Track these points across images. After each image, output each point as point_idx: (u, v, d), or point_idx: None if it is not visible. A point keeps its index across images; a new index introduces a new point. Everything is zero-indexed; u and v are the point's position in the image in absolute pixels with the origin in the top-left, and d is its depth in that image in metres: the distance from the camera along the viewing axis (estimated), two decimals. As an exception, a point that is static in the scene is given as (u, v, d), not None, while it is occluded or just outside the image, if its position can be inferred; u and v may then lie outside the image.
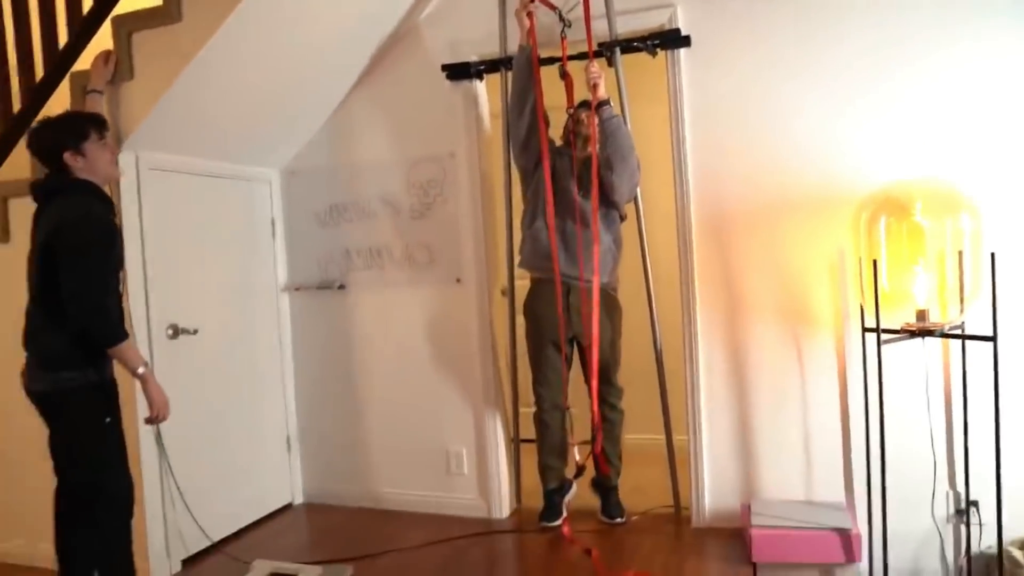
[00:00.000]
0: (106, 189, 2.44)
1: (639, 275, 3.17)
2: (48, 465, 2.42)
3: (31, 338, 2.33)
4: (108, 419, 2.36)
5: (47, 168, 2.36)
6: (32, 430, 2.45)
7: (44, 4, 2.96)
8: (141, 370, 2.34)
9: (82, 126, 2.34)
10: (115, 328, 2.28)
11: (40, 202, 2.37)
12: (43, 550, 2.93)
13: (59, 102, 2.92)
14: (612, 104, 2.98)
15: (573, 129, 3.07)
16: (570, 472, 3.19)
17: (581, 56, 3.02)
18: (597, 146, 2.97)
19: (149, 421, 2.41)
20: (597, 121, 2.96)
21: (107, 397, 2.39)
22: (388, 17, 3.23)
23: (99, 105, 2.69)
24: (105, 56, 2.73)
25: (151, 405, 2.37)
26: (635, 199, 3.12)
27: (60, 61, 2.90)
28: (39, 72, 2.97)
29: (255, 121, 3.24)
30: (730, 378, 3.02)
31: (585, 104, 3.09)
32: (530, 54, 2.97)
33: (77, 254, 2.21)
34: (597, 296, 2.90)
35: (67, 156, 2.30)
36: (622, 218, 3.11)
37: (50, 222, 2.25)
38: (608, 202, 3.01)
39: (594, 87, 2.94)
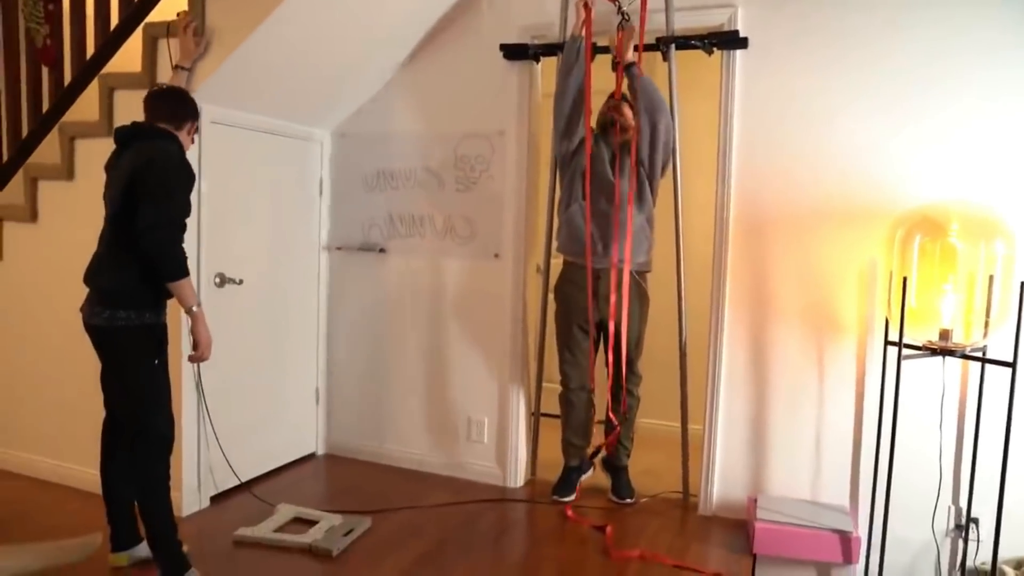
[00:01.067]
0: None
1: (671, 266, 3.25)
2: (99, 396, 2.58)
3: (96, 274, 2.44)
4: (157, 360, 2.49)
5: (153, 115, 2.50)
6: (82, 362, 2.59)
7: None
8: (195, 308, 2.46)
9: (199, 118, 2.64)
10: (182, 264, 2.41)
11: (121, 144, 2.49)
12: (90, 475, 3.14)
13: (132, 50, 3.04)
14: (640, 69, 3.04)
15: (611, 115, 3.14)
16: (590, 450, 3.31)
17: (604, 49, 3.13)
18: (633, 107, 3.06)
19: (193, 359, 2.54)
20: (627, 80, 3.03)
21: (158, 339, 2.52)
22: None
23: (183, 81, 2.83)
24: (192, 31, 2.82)
25: (198, 343, 2.49)
26: (675, 192, 3.18)
27: (135, 11, 3.00)
28: (115, 20, 3.08)
29: (314, 83, 3.33)
30: (750, 374, 3.10)
31: (624, 96, 3.17)
32: (581, 45, 3.03)
33: (163, 189, 2.35)
34: (628, 279, 2.99)
35: (188, 125, 2.54)
36: (653, 195, 3.15)
37: (138, 158, 2.37)
38: (643, 181, 3.07)
39: (627, 37, 2.99)
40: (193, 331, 2.49)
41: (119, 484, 2.59)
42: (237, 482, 3.29)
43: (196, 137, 2.67)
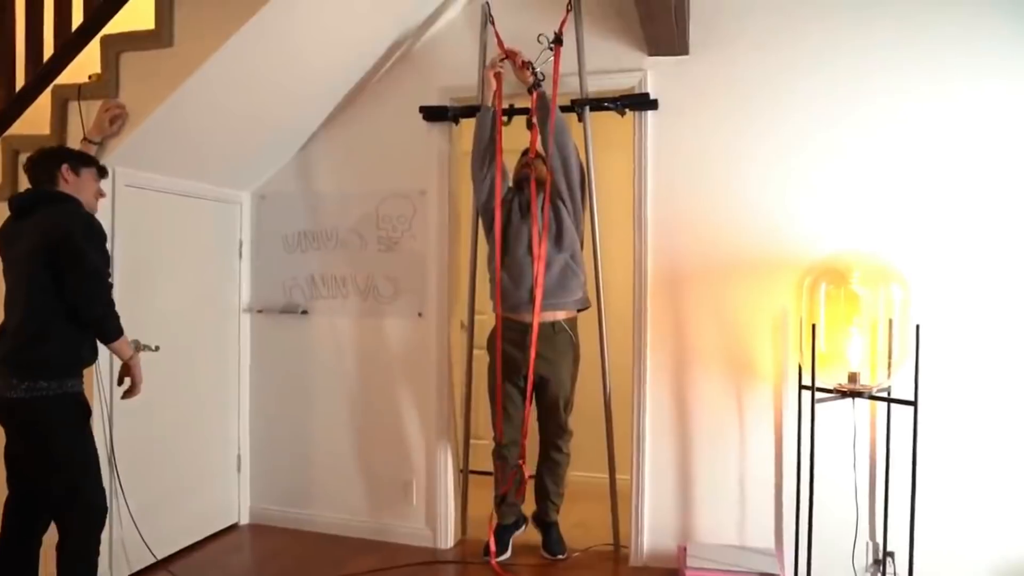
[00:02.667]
0: None
1: (593, 320, 3.31)
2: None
3: (12, 347, 2.33)
4: (84, 429, 2.43)
5: (37, 179, 2.45)
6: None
7: (31, 15, 3.00)
8: (133, 357, 2.51)
9: (89, 158, 2.55)
10: (118, 325, 2.42)
11: (18, 213, 2.41)
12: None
13: (40, 111, 2.96)
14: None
15: (525, 171, 3.21)
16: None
17: (524, 111, 3.23)
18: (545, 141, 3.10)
19: (127, 395, 2.56)
20: (537, 98, 3.09)
21: (82, 407, 2.44)
22: (370, 56, 3.35)
23: (91, 153, 2.74)
24: (112, 115, 2.76)
25: (134, 382, 2.53)
26: (594, 246, 3.26)
27: (44, 72, 2.93)
28: (19, 83, 3.00)
29: (233, 146, 3.31)
30: (674, 423, 3.17)
31: (538, 153, 3.24)
32: (493, 115, 3.13)
33: (88, 255, 2.31)
34: (535, 330, 3.04)
35: (64, 168, 2.44)
36: (579, 229, 3.18)
37: (49, 227, 2.31)
38: (563, 220, 3.10)
39: (521, 64, 3.08)
40: (130, 373, 2.52)
41: (27, 571, 2.43)
42: (153, 560, 3.11)
43: (97, 181, 2.56)
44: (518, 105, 3.30)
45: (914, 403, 2.62)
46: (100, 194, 2.58)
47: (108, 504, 2.50)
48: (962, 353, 2.84)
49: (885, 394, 2.74)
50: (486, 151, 3.15)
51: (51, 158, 2.45)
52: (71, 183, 2.44)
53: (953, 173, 2.86)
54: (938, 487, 2.85)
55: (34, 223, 2.34)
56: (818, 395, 2.72)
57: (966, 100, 2.85)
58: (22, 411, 2.32)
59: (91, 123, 2.78)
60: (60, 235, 2.29)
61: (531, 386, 3.09)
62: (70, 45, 2.92)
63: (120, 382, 2.56)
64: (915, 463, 2.63)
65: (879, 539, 2.90)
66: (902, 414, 2.76)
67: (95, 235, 2.38)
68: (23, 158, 2.89)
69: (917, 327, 2.62)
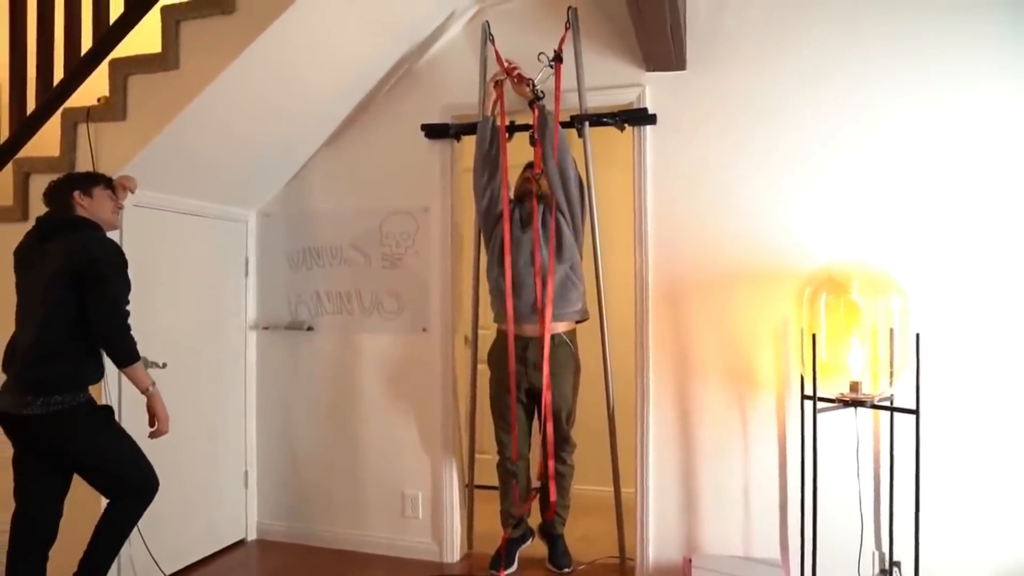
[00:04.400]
0: None
1: (596, 333, 3.33)
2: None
3: (28, 364, 2.39)
4: (109, 427, 2.54)
5: (54, 207, 2.54)
6: None
7: (42, 41, 3.07)
8: (151, 388, 2.53)
9: (95, 177, 2.62)
10: (132, 350, 2.47)
11: (42, 236, 2.49)
12: None
13: (50, 134, 3.03)
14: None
15: (527, 187, 3.24)
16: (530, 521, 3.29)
17: (524, 127, 3.25)
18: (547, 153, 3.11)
19: (154, 435, 2.59)
20: (538, 113, 3.10)
21: (98, 410, 2.53)
22: (372, 76, 3.41)
23: None
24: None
25: (158, 420, 2.56)
26: (595, 260, 3.28)
27: (54, 96, 3.00)
28: (31, 106, 3.07)
29: (237, 165, 3.36)
30: (678, 435, 3.18)
31: (532, 165, 3.28)
32: (493, 124, 3.17)
33: (110, 279, 2.41)
34: (547, 344, 3.05)
35: (76, 195, 2.52)
36: (579, 240, 3.20)
37: (75, 251, 2.39)
38: (563, 232, 3.12)
39: (520, 79, 3.12)
40: (151, 408, 2.55)
41: None
42: (161, 576, 3.14)
43: (112, 196, 2.62)
44: (519, 121, 3.34)
45: (916, 412, 2.63)
46: (118, 207, 2.65)
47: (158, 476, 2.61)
48: (963, 361, 2.84)
49: (887, 403, 2.74)
50: (486, 159, 3.19)
51: (61, 188, 2.53)
52: (87, 206, 2.53)
53: (950, 181, 2.88)
54: (942, 495, 2.84)
55: (58, 245, 2.42)
56: (820, 405, 2.73)
57: (961, 108, 2.87)
58: (41, 427, 2.38)
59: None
60: (88, 260, 2.38)
61: (547, 406, 3.08)
62: (80, 69, 2.99)
63: (151, 423, 2.59)
64: (918, 471, 2.64)
65: (885, 548, 2.89)
66: (904, 423, 2.77)
67: (121, 263, 2.47)
68: (34, 180, 2.98)
69: (917, 336, 2.64)
